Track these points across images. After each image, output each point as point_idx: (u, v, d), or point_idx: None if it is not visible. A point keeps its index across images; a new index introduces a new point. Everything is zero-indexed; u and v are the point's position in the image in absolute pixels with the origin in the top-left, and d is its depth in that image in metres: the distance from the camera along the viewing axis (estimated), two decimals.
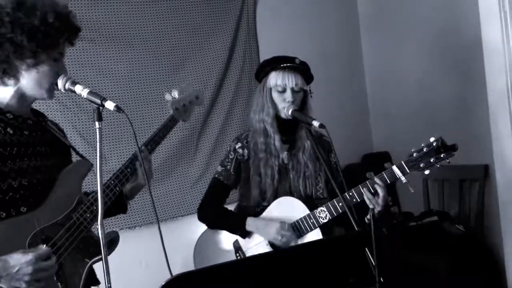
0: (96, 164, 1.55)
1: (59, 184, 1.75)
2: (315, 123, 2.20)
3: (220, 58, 3.51)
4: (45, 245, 1.64)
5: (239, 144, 2.45)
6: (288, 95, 2.34)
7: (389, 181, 2.15)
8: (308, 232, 2.31)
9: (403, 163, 2.12)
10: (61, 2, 1.70)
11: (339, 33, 4.02)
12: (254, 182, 2.39)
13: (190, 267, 2.37)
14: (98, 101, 1.59)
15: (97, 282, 1.85)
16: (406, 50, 3.78)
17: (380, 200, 2.16)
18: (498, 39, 3.14)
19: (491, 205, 3.33)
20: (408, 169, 2.11)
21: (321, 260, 1.52)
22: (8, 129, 1.69)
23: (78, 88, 1.65)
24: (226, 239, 2.45)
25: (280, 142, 2.38)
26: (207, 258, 2.41)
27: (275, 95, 2.37)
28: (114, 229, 1.93)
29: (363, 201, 2.19)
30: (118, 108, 1.58)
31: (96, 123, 1.56)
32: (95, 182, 1.54)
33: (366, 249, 1.79)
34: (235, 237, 2.42)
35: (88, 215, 1.75)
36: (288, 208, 2.34)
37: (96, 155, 1.54)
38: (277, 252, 2.03)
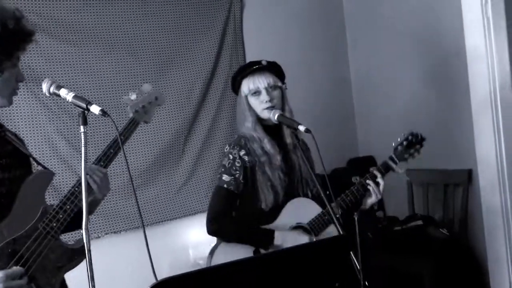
0: (82, 168, 1.53)
1: (22, 195, 1.71)
2: (301, 128, 2.19)
3: (206, 63, 3.50)
4: (14, 260, 1.60)
5: (243, 151, 2.38)
6: (264, 95, 2.34)
7: (385, 172, 2.45)
8: (323, 229, 2.35)
9: (393, 155, 2.47)
10: (13, 6, 1.67)
11: (325, 38, 4.05)
12: (264, 185, 2.36)
13: (176, 271, 2.35)
14: (83, 105, 1.56)
15: None
16: (390, 57, 3.81)
17: (381, 189, 2.41)
18: (481, 45, 3.18)
19: (475, 209, 3.37)
20: (398, 160, 2.47)
21: (307, 264, 1.52)
22: None
23: (63, 92, 1.62)
24: (245, 250, 2.33)
25: (271, 144, 2.38)
26: None
27: (251, 100, 2.38)
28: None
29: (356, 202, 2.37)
30: (103, 112, 1.56)
31: (81, 127, 1.54)
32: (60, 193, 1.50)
33: (351, 253, 1.80)
34: (250, 247, 2.34)
35: (54, 224, 1.71)
36: (303, 210, 2.36)
37: (81, 159, 1.53)
38: (262, 256, 2.02)
